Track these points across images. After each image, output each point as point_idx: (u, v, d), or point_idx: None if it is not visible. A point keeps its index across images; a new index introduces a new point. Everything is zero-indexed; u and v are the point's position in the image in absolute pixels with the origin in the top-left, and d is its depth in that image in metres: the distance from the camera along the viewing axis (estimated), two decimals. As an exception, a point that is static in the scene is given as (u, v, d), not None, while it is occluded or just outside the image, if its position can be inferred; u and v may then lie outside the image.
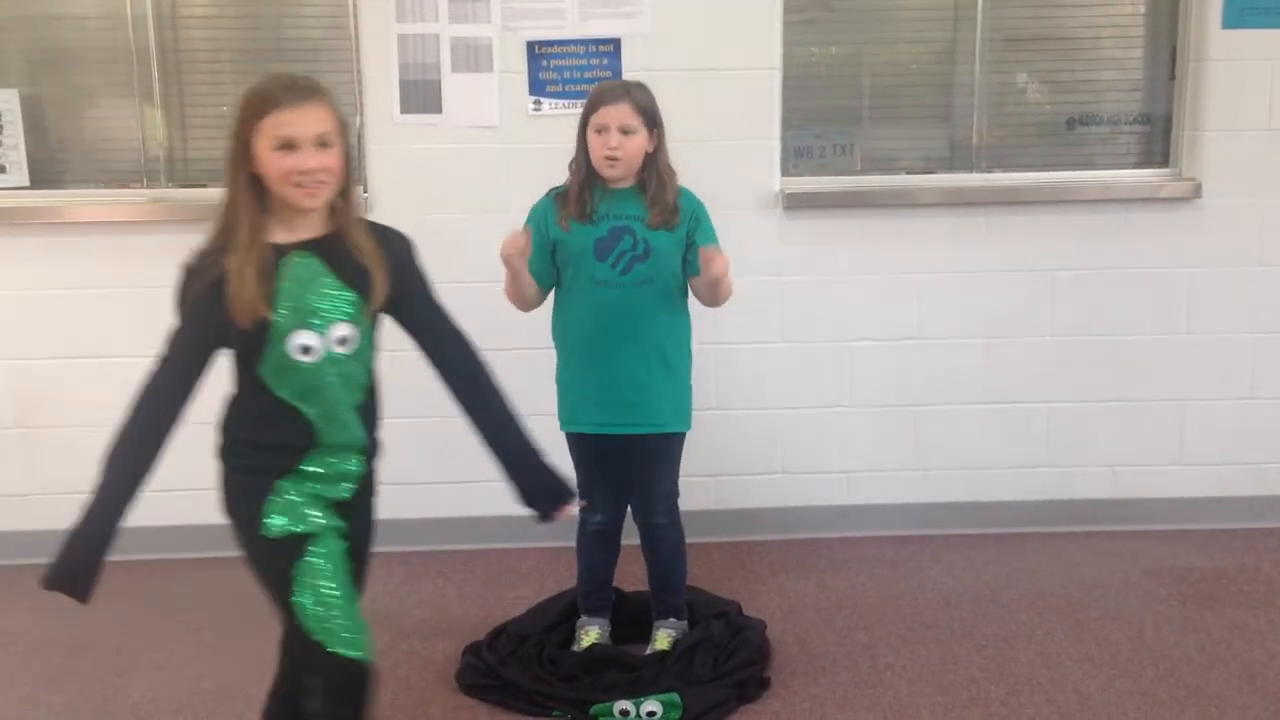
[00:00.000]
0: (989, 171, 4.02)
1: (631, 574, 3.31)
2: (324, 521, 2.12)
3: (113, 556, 4.08)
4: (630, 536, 3.19)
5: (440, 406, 3.97)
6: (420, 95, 3.79)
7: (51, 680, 3.16)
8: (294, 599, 2.07)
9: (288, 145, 2.00)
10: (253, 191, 2.04)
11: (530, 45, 3.77)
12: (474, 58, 3.78)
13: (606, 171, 2.90)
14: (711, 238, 2.98)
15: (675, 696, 2.88)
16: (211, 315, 2.03)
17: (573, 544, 3.23)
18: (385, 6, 3.74)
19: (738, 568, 3.81)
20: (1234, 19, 3.81)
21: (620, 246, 2.91)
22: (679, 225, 2.94)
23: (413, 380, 3.99)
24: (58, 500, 3.95)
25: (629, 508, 3.16)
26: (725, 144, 3.81)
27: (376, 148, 3.82)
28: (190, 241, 3.97)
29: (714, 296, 2.93)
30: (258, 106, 2.01)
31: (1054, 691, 2.99)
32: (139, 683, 3.14)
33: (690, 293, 3.03)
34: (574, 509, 2.35)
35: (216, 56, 3.94)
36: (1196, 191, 3.90)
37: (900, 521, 4.06)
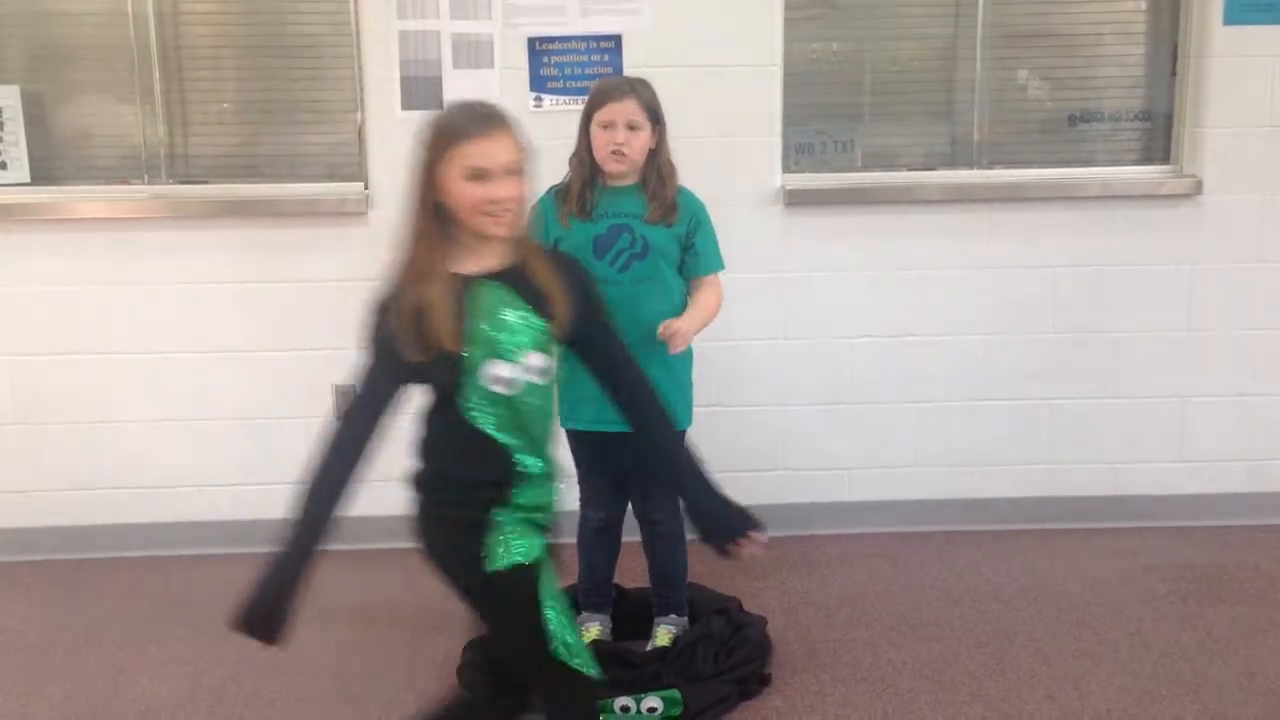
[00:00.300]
0: (990, 168, 4.02)
1: (632, 571, 3.32)
2: (541, 546, 2.12)
3: (114, 553, 4.11)
4: (631, 534, 3.19)
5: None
6: (421, 92, 3.79)
7: (53, 677, 3.16)
8: (542, 624, 2.07)
9: (479, 175, 1.98)
10: (439, 221, 2.02)
11: (531, 41, 3.77)
12: (475, 54, 3.78)
13: (611, 167, 2.90)
14: (711, 241, 3.00)
15: (676, 693, 2.89)
16: (403, 350, 1.99)
17: (574, 541, 3.23)
18: (386, 3, 3.74)
19: (738, 564, 3.80)
20: (1235, 15, 3.81)
21: (618, 244, 2.91)
22: (678, 223, 2.94)
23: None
24: (57, 496, 3.99)
25: (629, 505, 3.16)
26: (726, 140, 3.81)
27: (378, 144, 3.81)
28: (190, 238, 4.00)
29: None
30: (448, 137, 2.00)
31: (1054, 687, 2.99)
32: (140, 679, 3.14)
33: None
34: (756, 543, 2.23)
35: (218, 53, 3.94)
36: (1197, 188, 3.90)
37: (901, 518, 4.06)
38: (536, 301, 2.04)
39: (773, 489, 4.05)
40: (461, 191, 1.98)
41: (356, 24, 3.77)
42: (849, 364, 3.99)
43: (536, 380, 2.06)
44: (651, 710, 2.87)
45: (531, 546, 2.08)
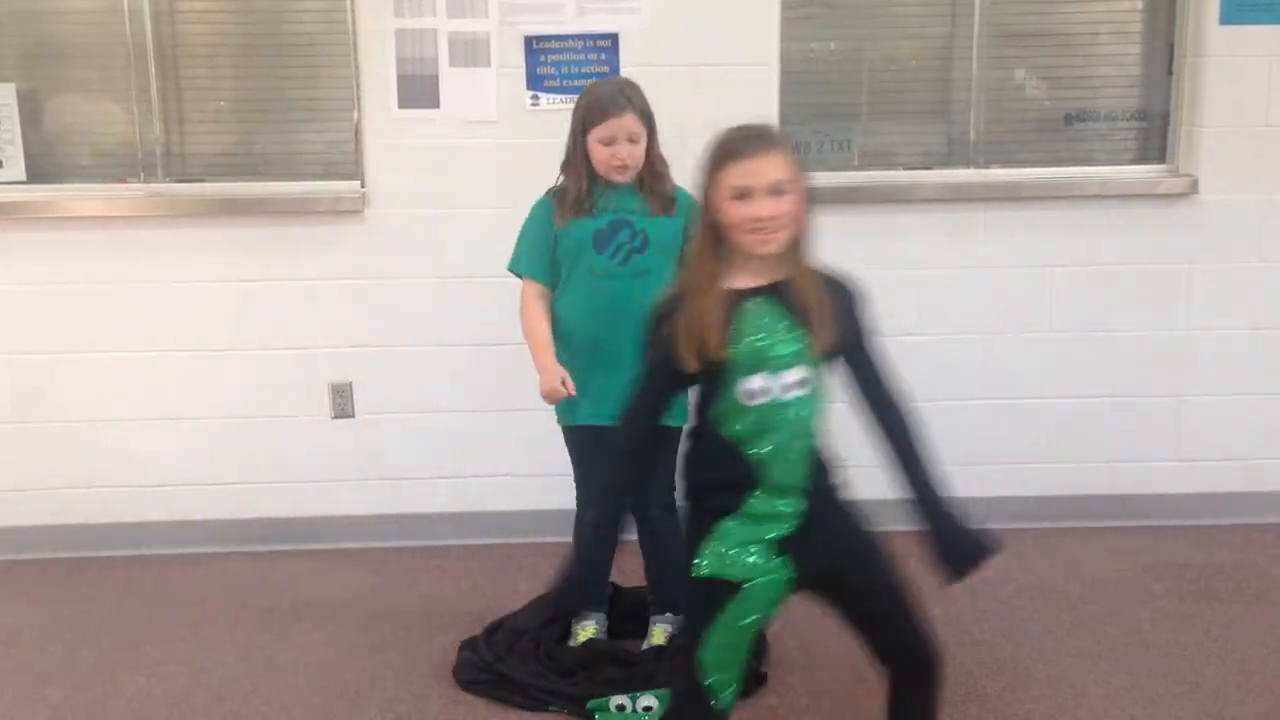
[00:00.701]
0: (987, 167, 4.01)
1: (628, 570, 3.31)
2: (759, 563, 2.13)
3: (111, 552, 4.10)
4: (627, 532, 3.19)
5: (438, 402, 3.99)
6: (418, 90, 3.79)
7: (49, 675, 3.16)
8: (702, 641, 2.14)
9: (742, 194, 2.06)
10: (714, 238, 2.11)
11: (528, 40, 3.76)
12: (472, 53, 3.77)
13: (615, 178, 2.92)
14: None
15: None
16: (678, 359, 2.09)
17: (570, 539, 3.22)
18: (383, 1, 3.74)
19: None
20: (1231, 15, 3.81)
21: (618, 238, 2.92)
22: (677, 214, 2.96)
23: (410, 377, 4.00)
24: (53, 495, 3.98)
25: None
26: (723, 139, 3.80)
27: (374, 142, 3.81)
28: (186, 236, 3.99)
29: None
30: (718, 158, 2.11)
31: (1051, 687, 2.99)
32: (137, 677, 3.13)
33: None
34: (986, 564, 2.24)
35: (214, 51, 3.93)
36: (1194, 187, 3.90)
37: (895, 517, 4.04)
38: (801, 318, 2.10)
39: (770, 488, 4.05)
40: (728, 211, 2.07)
41: (353, 22, 3.77)
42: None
43: (795, 393, 2.11)
44: (647, 709, 2.87)
45: (750, 568, 2.12)
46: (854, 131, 4.05)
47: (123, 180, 3.92)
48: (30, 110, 3.89)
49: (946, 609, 3.44)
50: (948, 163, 4.05)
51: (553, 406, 3.03)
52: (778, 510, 2.14)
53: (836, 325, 2.12)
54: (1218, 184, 3.90)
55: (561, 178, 3.00)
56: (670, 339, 2.09)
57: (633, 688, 2.91)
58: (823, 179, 3.92)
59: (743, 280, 2.12)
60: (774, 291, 2.11)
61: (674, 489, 3.13)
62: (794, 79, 3.92)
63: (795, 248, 2.13)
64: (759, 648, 3.12)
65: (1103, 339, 4.00)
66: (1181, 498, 4.09)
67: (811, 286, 2.13)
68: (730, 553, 2.12)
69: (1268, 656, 3.13)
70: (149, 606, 3.58)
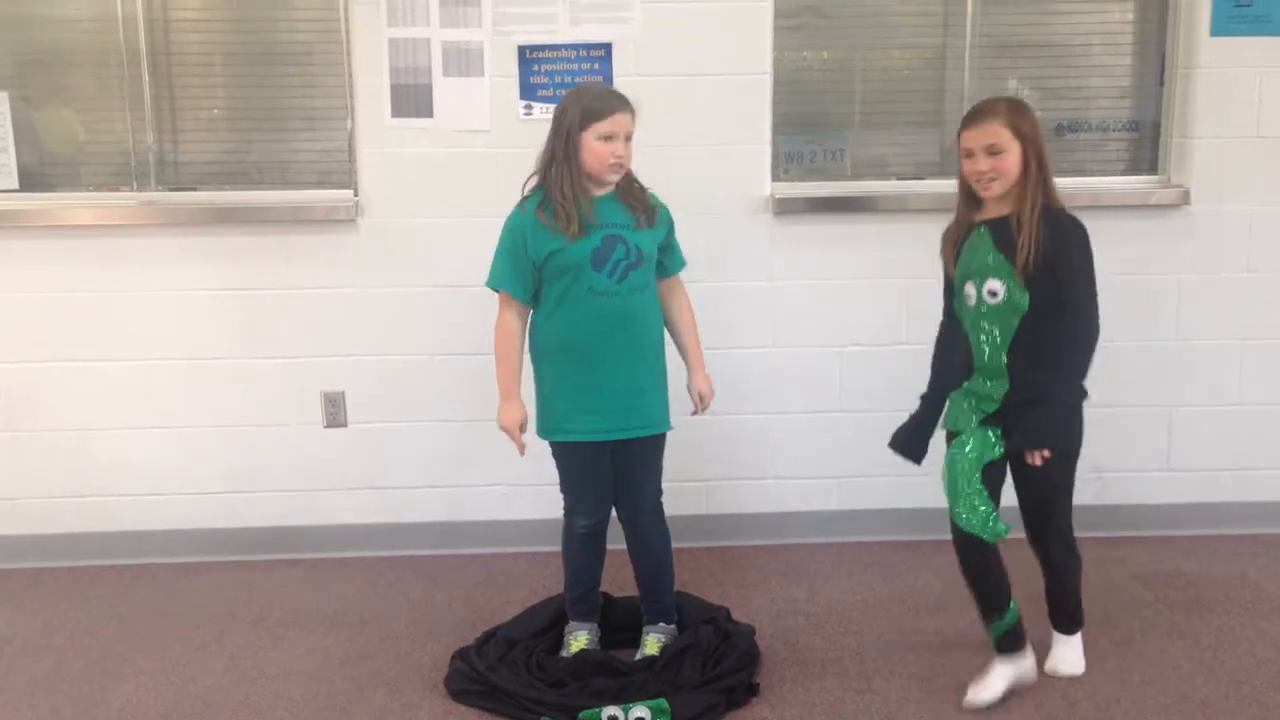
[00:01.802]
0: (979, 177, 4.02)
1: (620, 579, 3.31)
2: (973, 424, 2.90)
3: (102, 561, 4.10)
4: (617, 541, 3.19)
5: (431, 411, 3.99)
6: (411, 99, 3.79)
7: (39, 685, 3.15)
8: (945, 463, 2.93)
9: (969, 154, 2.81)
10: (964, 185, 2.89)
11: (521, 50, 3.77)
12: (465, 62, 3.78)
13: (609, 177, 2.91)
14: (675, 237, 3.09)
15: (663, 702, 2.88)
16: (947, 268, 3.01)
17: (559, 548, 3.23)
18: (377, 10, 3.74)
19: (728, 573, 3.81)
20: (1222, 27, 3.82)
21: (615, 255, 2.91)
22: (659, 224, 3.00)
23: (403, 386, 4.00)
24: (45, 503, 3.98)
25: (614, 510, 3.16)
26: (716, 149, 3.81)
27: (367, 151, 3.81)
28: (180, 245, 3.99)
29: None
30: (964, 122, 2.86)
31: (1041, 697, 2.99)
32: (126, 687, 3.13)
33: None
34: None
35: (208, 60, 3.93)
36: (1185, 198, 3.92)
37: (890, 527, 4.06)
38: (1006, 245, 2.79)
39: (762, 497, 4.06)
40: (964, 166, 2.84)
41: (347, 31, 3.77)
42: (839, 372, 4.00)
43: (989, 301, 2.85)
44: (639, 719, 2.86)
45: (964, 424, 2.93)
46: (847, 141, 4.06)
47: (116, 189, 3.92)
48: (23, 118, 3.88)
49: (937, 620, 3.45)
50: (940, 173, 4.06)
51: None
52: (983, 391, 2.91)
53: (1036, 258, 2.75)
54: (1209, 195, 3.91)
55: (534, 186, 2.96)
56: (944, 254, 2.99)
57: (625, 699, 2.90)
58: (816, 188, 3.96)
59: (981, 215, 2.88)
60: (995, 225, 2.84)
61: (661, 494, 3.15)
62: (787, 88, 3.93)
63: (1021, 191, 2.78)
64: (751, 658, 3.12)
65: (1094, 349, 4.00)
66: (1172, 508, 4.10)
67: (1030, 224, 2.76)
68: (954, 413, 3.00)
69: (1257, 667, 3.14)
70: (139, 615, 3.58)
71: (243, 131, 3.96)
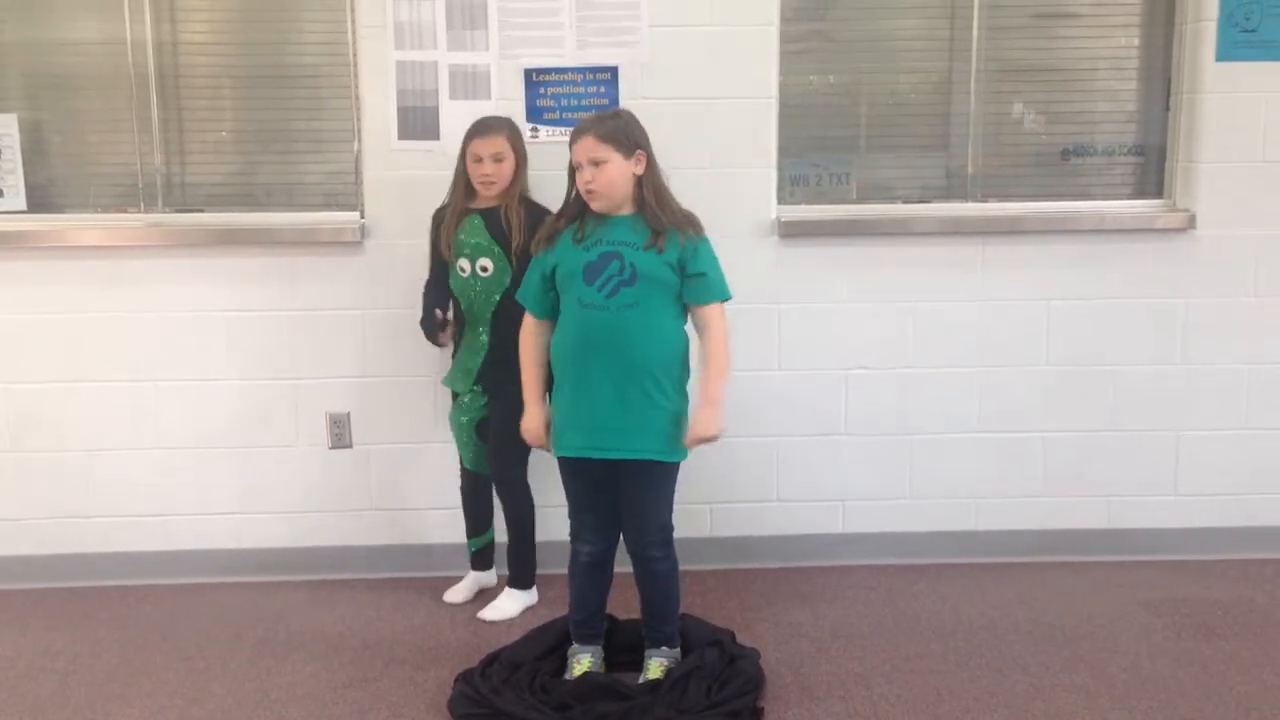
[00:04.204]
0: (984, 201, 4.03)
1: (625, 602, 3.30)
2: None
3: (106, 582, 4.09)
4: (626, 563, 3.18)
5: (436, 433, 3.99)
6: (418, 121, 3.81)
7: (41, 706, 3.14)
8: None
9: None
10: None
11: (528, 73, 3.79)
12: (472, 85, 3.79)
13: (590, 204, 2.99)
14: (711, 265, 3.05)
15: (668, 726, 2.87)
16: None
17: (565, 571, 3.22)
18: (384, 34, 3.76)
19: (732, 596, 3.80)
20: (1227, 52, 3.84)
21: (608, 271, 2.95)
22: (668, 249, 2.97)
23: (408, 408, 4.00)
24: (49, 524, 3.98)
25: (621, 537, 3.15)
26: (722, 172, 3.82)
27: (374, 174, 3.83)
28: (187, 267, 3.99)
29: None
30: None
31: (1049, 723, 2.98)
32: (130, 709, 3.12)
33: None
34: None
35: (215, 82, 3.95)
36: (1191, 223, 3.92)
37: (896, 550, 4.05)
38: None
39: (766, 520, 4.05)
40: None
41: (354, 54, 3.79)
42: (844, 395, 3.99)
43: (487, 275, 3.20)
44: (643, 743, 2.85)
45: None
46: (853, 164, 4.07)
47: (123, 210, 3.94)
48: (32, 140, 3.90)
49: (942, 644, 3.43)
50: (946, 196, 4.07)
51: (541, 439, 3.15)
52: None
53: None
54: (1215, 219, 3.91)
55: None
56: None
57: (628, 722, 2.89)
58: (821, 211, 3.97)
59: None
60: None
61: (671, 530, 3.14)
62: (793, 112, 3.94)
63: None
64: (756, 681, 3.11)
65: (1100, 373, 4.00)
66: (1179, 532, 4.08)
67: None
68: None
69: (1265, 693, 3.12)
70: (143, 637, 3.57)
71: (250, 153, 3.98)
